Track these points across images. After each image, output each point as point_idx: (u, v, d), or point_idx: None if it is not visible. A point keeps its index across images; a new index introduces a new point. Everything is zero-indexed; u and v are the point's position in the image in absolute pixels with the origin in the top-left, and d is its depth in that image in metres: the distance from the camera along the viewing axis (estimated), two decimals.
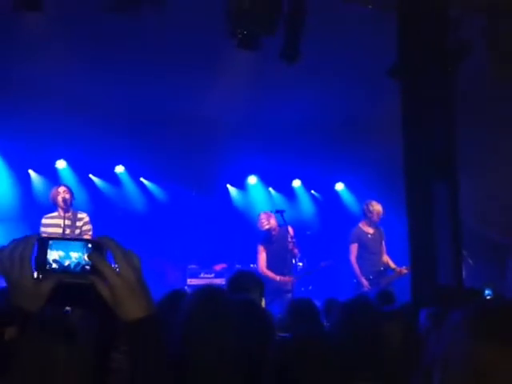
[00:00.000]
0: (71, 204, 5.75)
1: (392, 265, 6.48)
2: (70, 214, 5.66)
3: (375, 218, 6.45)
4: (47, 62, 5.87)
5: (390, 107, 5.08)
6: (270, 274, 6.08)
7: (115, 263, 1.11)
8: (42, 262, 1.13)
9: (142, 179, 8.20)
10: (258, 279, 3.18)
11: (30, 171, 7.44)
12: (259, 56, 5.70)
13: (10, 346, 1.13)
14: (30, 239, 1.14)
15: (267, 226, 6.23)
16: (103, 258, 1.11)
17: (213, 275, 7.05)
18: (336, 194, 8.90)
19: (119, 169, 8.00)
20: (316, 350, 1.56)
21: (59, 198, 5.70)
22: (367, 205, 6.51)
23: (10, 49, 5.65)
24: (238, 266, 6.68)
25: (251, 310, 1.77)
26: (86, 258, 1.13)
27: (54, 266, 1.13)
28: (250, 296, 2.46)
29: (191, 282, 6.99)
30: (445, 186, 4.07)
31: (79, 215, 5.74)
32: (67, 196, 5.73)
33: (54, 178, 7.34)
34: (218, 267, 7.17)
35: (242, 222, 7.06)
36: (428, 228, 4.16)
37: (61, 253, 1.13)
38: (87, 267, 1.12)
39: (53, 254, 1.13)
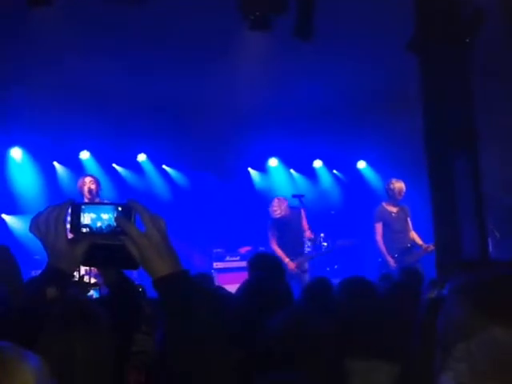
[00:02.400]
0: (97, 194, 5.84)
1: (419, 242, 6.42)
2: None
3: (397, 196, 6.39)
4: (68, 58, 5.94)
5: (409, 82, 5.00)
6: (281, 253, 6.14)
7: (143, 225, 1.16)
8: (75, 225, 1.21)
9: (164, 166, 8.28)
10: (276, 260, 3.21)
11: (55, 163, 7.59)
12: (277, 38, 5.66)
13: (51, 305, 1.21)
14: (64, 204, 1.21)
15: (278, 216, 6.25)
16: (130, 220, 1.17)
17: (238, 258, 7.12)
18: (358, 172, 8.83)
19: (141, 157, 8.09)
20: (308, 328, 1.56)
21: (85, 188, 5.79)
22: (388, 183, 6.47)
23: (30, 45, 5.73)
24: (261, 248, 6.72)
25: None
26: (114, 219, 1.18)
27: (87, 229, 1.20)
28: (267, 276, 2.49)
29: (217, 265, 7.08)
30: (466, 158, 4.01)
31: None
32: (93, 186, 5.81)
33: (78, 168, 7.48)
34: (243, 250, 7.23)
35: (264, 204, 7.07)
36: (451, 202, 4.11)
37: (92, 215, 1.20)
38: (118, 229, 1.18)
39: (85, 217, 1.20)
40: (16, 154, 7.29)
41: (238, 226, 7.69)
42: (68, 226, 1.23)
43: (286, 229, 6.26)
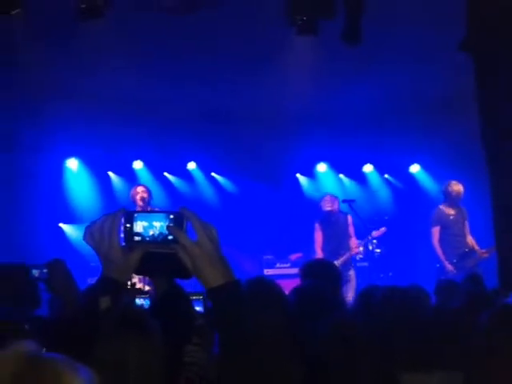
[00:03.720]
0: (149, 202, 5.96)
1: (476, 246, 6.17)
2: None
3: (456, 198, 6.16)
4: (119, 70, 6.11)
5: (463, 83, 4.81)
6: (321, 255, 6.11)
7: (195, 233, 1.15)
8: (128, 234, 1.20)
9: (213, 174, 8.37)
10: (329, 267, 3.13)
11: (110, 173, 7.82)
12: (324, 42, 5.60)
13: (105, 315, 1.22)
14: (118, 213, 1.22)
15: (329, 208, 6.24)
16: (181, 228, 1.16)
17: (289, 265, 7.07)
18: (411, 176, 8.58)
19: (191, 165, 8.21)
20: (355, 334, 1.49)
21: (138, 197, 5.92)
22: (447, 185, 6.25)
23: (81, 58, 5.94)
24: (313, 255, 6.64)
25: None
26: (167, 227, 1.17)
27: (139, 237, 1.19)
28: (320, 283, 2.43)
29: (268, 272, 7.05)
30: None
31: None
32: (145, 195, 5.94)
33: (132, 178, 7.67)
34: (294, 257, 7.17)
35: (314, 210, 7.00)
36: None
37: (145, 223, 1.19)
38: (170, 237, 1.17)
39: (138, 226, 1.20)
40: (72, 164, 7.57)
41: (287, 232, 7.65)
42: (122, 234, 1.23)
43: (334, 226, 6.25)
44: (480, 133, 4.15)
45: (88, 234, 1.21)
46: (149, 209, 5.92)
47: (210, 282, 1.13)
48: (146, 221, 1.19)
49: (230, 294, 1.13)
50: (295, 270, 6.83)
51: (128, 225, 1.20)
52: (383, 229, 6.29)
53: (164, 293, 1.56)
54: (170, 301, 1.55)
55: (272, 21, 5.08)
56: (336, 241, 6.25)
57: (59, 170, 7.53)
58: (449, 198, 6.21)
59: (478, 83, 4.09)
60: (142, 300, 2.21)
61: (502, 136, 4.01)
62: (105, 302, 1.20)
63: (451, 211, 6.21)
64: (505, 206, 3.91)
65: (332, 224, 6.32)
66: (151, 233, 1.18)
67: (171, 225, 1.16)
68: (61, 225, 7.38)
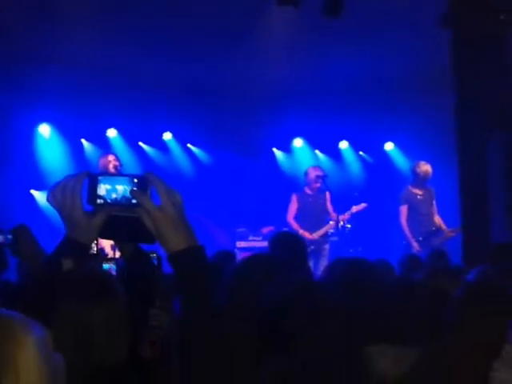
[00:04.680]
0: (120, 172, 5.91)
1: (443, 226, 6.33)
2: None
3: (423, 178, 6.30)
4: (97, 37, 5.97)
5: (438, 64, 4.84)
6: (294, 225, 6.23)
7: (159, 198, 1.15)
8: (91, 196, 1.19)
9: (189, 145, 8.30)
10: (299, 239, 3.18)
11: (83, 140, 7.68)
12: (301, 15, 5.54)
13: (67, 276, 1.23)
14: (81, 174, 1.20)
15: (318, 181, 6.31)
16: (145, 192, 1.15)
17: (261, 238, 7.15)
18: (385, 154, 8.68)
19: (167, 136, 8.13)
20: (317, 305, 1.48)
21: (111, 166, 5.85)
22: (415, 166, 6.38)
23: (61, 23, 5.76)
24: (285, 229, 6.71)
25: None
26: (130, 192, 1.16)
27: (101, 200, 1.19)
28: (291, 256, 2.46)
29: (240, 244, 7.12)
30: (500, 137, 3.87)
31: None
32: (117, 163, 5.88)
33: (105, 146, 7.56)
34: (266, 230, 7.25)
35: (288, 185, 7.05)
36: (481, 184, 4.00)
37: (107, 186, 1.18)
38: (134, 201, 1.16)
39: (101, 189, 1.19)
40: (44, 130, 7.40)
41: (261, 205, 7.69)
42: (85, 196, 1.21)
43: (312, 203, 6.36)
44: (455, 113, 4.20)
45: (51, 195, 1.19)
46: None
47: (172, 247, 1.13)
48: (109, 184, 1.18)
49: (192, 258, 1.13)
50: (266, 243, 6.94)
51: (91, 187, 1.19)
52: (363, 204, 6.38)
53: (129, 257, 1.57)
54: (134, 265, 1.56)
55: None
56: (312, 216, 6.33)
57: (30, 135, 7.37)
58: (417, 179, 6.35)
59: (455, 60, 4.11)
60: (109, 264, 2.22)
61: (476, 118, 4.06)
62: (67, 264, 1.20)
63: (419, 191, 6.35)
64: (470, 188, 4.01)
65: (310, 198, 6.40)
66: (114, 196, 1.17)
67: (135, 188, 1.15)
68: (32, 191, 7.26)
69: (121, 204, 1.17)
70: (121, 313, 1.41)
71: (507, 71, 3.95)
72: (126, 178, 1.19)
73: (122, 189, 1.17)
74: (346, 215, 6.30)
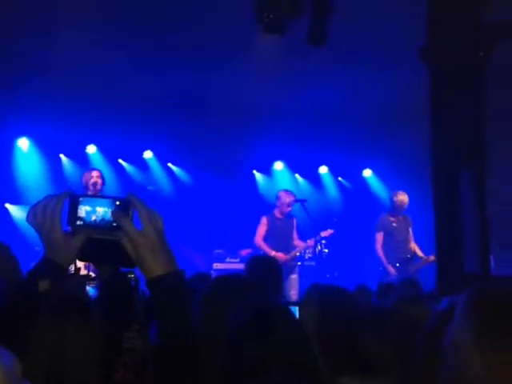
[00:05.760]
0: (101, 189, 5.84)
1: (419, 253, 6.42)
2: None
3: (399, 207, 6.43)
4: (79, 52, 5.95)
5: (419, 94, 4.96)
6: (265, 246, 6.20)
7: (140, 221, 1.13)
8: (72, 218, 1.17)
9: (169, 164, 8.29)
10: (274, 262, 3.19)
11: (61, 155, 7.61)
12: (286, 41, 5.64)
13: (43, 298, 1.20)
14: (62, 195, 1.19)
15: (288, 207, 6.30)
16: (127, 215, 1.13)
17: (238, 260, 7.12)
18: (364, 180, 8.80)
19: (148, 154, 8.10)
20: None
21: (91, 182, 5.78)
22: (392, 195, 6.53)
23: (45, 37, 5.74)
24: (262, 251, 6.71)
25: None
26: (111, 214, 1.14)
27: (82, 222, 1.16)
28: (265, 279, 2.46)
29: (217, 266, 7.07)
30: (472, 173, 3.97)
31: None
32: (99, 181, 5.80)
33: (84, 162, 7.50)
34: (244, 252, 7.22)
35: (267, 207, 7.07)
36: (454, 215, 4.08)
37: (88, 208, 1.16)
38: (114, 224, 1.14)
39: (81, 210, 1.17)
40: (23, 144, 7.31)
41: (239, 227, 7.69)
42: (65, 217, 1.19)
43: (278, 226, 6.33)
44: (430, 147, 4.29)
45: (31, 215, 1.18)
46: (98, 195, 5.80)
47: (151, 272, 1.12)
48: (89, 205, 1.17)
49: (171, 284, 1.12)
50: (244, 266, 6.92)
51: (71, 208, 1.17)
52: (330, 230, 6.42)
53: (107, 279, 1.56)
54: (111, 286, 1.55)
55: (239, 13, 5.08)
56: (281, 239, 6.32)
57: (9, 148, 7.27)
58: (393, 207, 6.47)
59: (432, 95, 4.22)
60: (91, 286, 2.18)
61: (450, 153, 4.15)
62: (44, 285, 1.18)
63: (394, 219, 6.47)
64: (443, 216, 4.08)
65: (279, 222, 6.40)
66: (93, 218, 1.16)
67: (117, 211, 1.14)
68: (7, 205, 7.13)
69: (100, 226, 1.15)
70: (95, 334, 1.39)
71: (483, 107, 4.08)
72: (108, 200, 1.17)
73: (101, 211, 1.15)
74: (313, 241, 6.31)
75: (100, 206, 1.16)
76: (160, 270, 1.12)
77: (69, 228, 1.20)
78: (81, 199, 1.18)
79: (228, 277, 1.90)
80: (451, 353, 0.90)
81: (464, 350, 0.83)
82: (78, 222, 1.17)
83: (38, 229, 1.19)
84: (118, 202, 1.16)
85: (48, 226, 1.17)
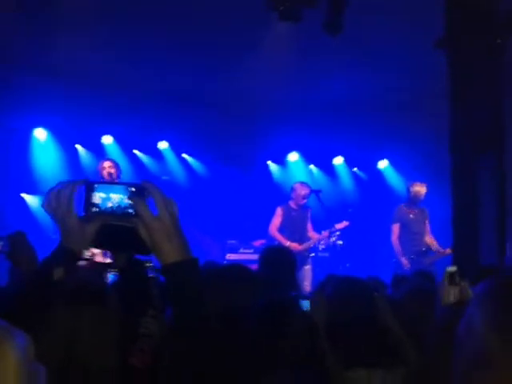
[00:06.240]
0: (118, 177, 5.86)
1: (435, 246, 6.35)
2: None
3: (415, 199, 6.36)
4: (90, 46, 5.98)
5: (437, 83, 4.89)
6: (280, 237, 6.20)
7: (156, 207, 1.13)
8: (87, 204, 1.18)
9: (184, 155, 8.31)
10: (288, 254, 3.19)
11: (78, 146, 7.67)
12: (301, 31, 5.59)
13: (58, 286, 1.20)
14: (78, 182, 1.19)
15: (304, 199, 6.29)
16: (143, 200, 1.13)
17: (252, 251, 7.12)
18: (379, 171, 8.73)
19: (163, 144, 8.13)
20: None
21: (104, 173, 5.82)
22: (409, 186, 6.46)
23: (56, 30, 5.78)
24: (276, 243, 6.71)
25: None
26: (126, 200, 1.15)
27: (97, 209, 1.17)
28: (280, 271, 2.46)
29: (230, 256, 7.09)
30: (491, 162, 3.92)
31: None
32: (112, 170, 5.83)
33: (100, 152, 7.55)
34: (257, 243, 7.22)
35: (281, 198, 7.06)
36: (472, 207, 4.03)
37: (102, 194, 1.17)
38: (130, 210, 1.14)
39: (96, 197, 1.17)
40: (40, 134, 7.38)
41: (253, 218, 7.69)
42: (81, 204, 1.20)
43: (293, 217, 6.31)
44: (449, 135, 4.24)
45: (46, 201, 1.19)
46: None
47: (166, 258, 1.12)
48: (104, 192, 1.17)
49: (186, 271, 1.12)
50: (257, 256, 6.91)
51: (87, 195, 1.18)
52: (346, 222, 6.40)
53: (123, 266, 1.57)
54: (128, 274, 1.56)
55: (253, 4, 5.04)
56: (296, 230, 6.32)
57: (26, 139, 7.35)
58: (410, 198, 6.41)
59: (450, 83, 4.16)
60: (111, 273, 2.20)
61: (469, 142, 4.10)
62: (59, 273, 1.18)
63: (411, 211, 6.40)
64: (462, 209, 4.04)
65: (295, 213, 6.39)
66: (109, 205, 1.16)
67: (133, 195, 1.14)
68: (23, 195, 7.22)
69: (116, 213, 1.16)
70: (111, 320, 1.40)
71: (501, 94, 4.01)
72: (123, 186, 1.17)
73: (117, 197, 1.16)
74: (327, 232, 6.30)
75: (115, 192, 1.16)
76: (175, 256, 1.12)
77: (84, 215, 1.20)
78: (96, 186, 1.18)
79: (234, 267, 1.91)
80: (466, 336, 0.89)
81: (479, 331, 0.82)
82: (94, 209, 1.17)
83: (52, 215, 1.19)
84: (132, 189, 1.16)
85: (63, 211, 1.18)
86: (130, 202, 1.15)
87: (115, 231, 1.19)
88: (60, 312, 1.35)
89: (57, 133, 7.45)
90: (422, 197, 6.38)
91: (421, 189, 6.36)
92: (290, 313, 1.43)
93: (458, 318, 0.91)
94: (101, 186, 1.19)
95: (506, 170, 4.05)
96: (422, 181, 6.51)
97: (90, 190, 1.18)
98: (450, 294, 1.82)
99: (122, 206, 1.16)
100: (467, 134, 4.10)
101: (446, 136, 4.33)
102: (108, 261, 3.77)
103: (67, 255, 1.21)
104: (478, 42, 4.06)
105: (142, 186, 1.15)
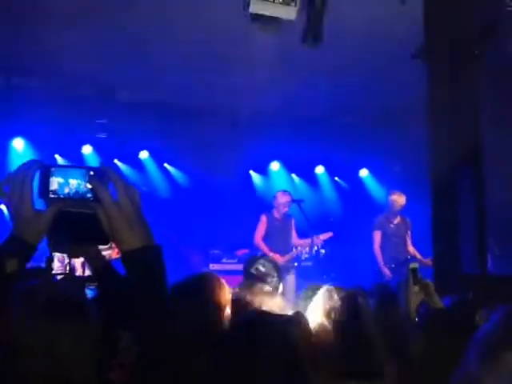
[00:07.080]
0: None
1: (417, 255, 6.40)
2: None
3: (395, 208, 6.42)
4: (69, 52, 5.92)
5: (415, 93, 4.95)
6: (264, 247, 6.19)
7: (116, 193, 1.08)
8: (43, 190, 1.09)
9: (165, 165, 8.26)
10: (273, 264, 3.18)
11: (57, 156, 7.57)
12: (284, 41, 5.62)
13: (11, 279, 1.11)
14: (32, 166, 1.11)
15: (286, 208, 6.33)
16: (104, 185, 1.07)
17: (235, 260, 7.10)
18: (360, 180, 8.80)
19: (144, 154, 8.08)
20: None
21: None
22: (389, 195, 6.52)
23: (32, 37, 5.70)
24: (259, 253, 6.69)
25: None
26: (86, 186, 1.08)
27: (55, 195, 1.09)
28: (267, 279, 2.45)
29: (213, 266, 7.05)
30: (470, 173, 3.97)
31: None
32: None
33: (79, 163, 7.46)
34: (241, 252, 7.20)
35: (264, 207, 7.06)
36: (452, 216, 4.08)
37: (60, 179, 1.09)
38: (89, 195, 1.07)
39: (53, 182, 1.09)
40: (18, 144, 7.27)
41: (236, 228, 7.67)
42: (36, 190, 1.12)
43: (277, 225, 6.33)
44: (428, 147, 4.28)
45: (0, 188, 1.11)
46: None
47: (127, 246, 1.07)
48: (61, 177, 1.09)
49: (146, 257, 1.07)
50: (241, 266, 6.88)
51: (43, 180, 1.09)
52: (329, 233, 6.42)
53: (100, 274, 1.53)
54: (105, 283, 1.52)
55: (231, 14, 5.06)
56: (279, 239, 6.33)
57: (4, 149, 7.23)
58: (390, 207, 6.46)
59: (429, 94, 4.21)
60: (89, 288, 2.13)
61: (448, 153, 4.14)
62: (12, 265, 1.09)
63: (392, 220, 6.45)
64: (441, 218, 4.07)
65: (277, 225, 6.41)
66: (66, 191, 1.08)
67: (94, 179, 1.07)
68: (1, 206, 7.08)
69: (74, 198, 1.07)
70: (91, 334, 1.37)
71: (480, 105, 4.07)
72: (82, 170, 1.09)
73: (75, 183, 1.08)
74: (310, 241, 6.31)
75: (73, 177, 1.09)
76: (136, 243, 1.07)
77: (41, 201, 1.12)
78: (52, 170, 1.10)
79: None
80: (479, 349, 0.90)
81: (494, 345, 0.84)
82: (51, 195, 1.09)
83: (6, 202, 1.11)
84: (92, 173, 1.08)
85: (17, 198, 1.09)
86: (90, 186, 1.07)
87: (73, 218, 1.10)
88: (38, 325, 1.30)
89: (35, 143, 7.34)
90: (401, 207, 6.45)
91: (401, 198, 6.43)
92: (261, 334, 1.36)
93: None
94: (58, 169, 1.10)
95: (484, 180, 4.11)
96: (401, 190, 6.58)
97: (46, 174, 1.10)
98: (415, 290, 1.86)
99: (81, 191, 1.08)
100: (446, 144, 4.15)
101: (424, 147, 4.38)
102: (87, 272, 3.72)
103: (20, 246, 1.11)
104: (455, 52, 4.13)
105: (102, 170, 1.09)
